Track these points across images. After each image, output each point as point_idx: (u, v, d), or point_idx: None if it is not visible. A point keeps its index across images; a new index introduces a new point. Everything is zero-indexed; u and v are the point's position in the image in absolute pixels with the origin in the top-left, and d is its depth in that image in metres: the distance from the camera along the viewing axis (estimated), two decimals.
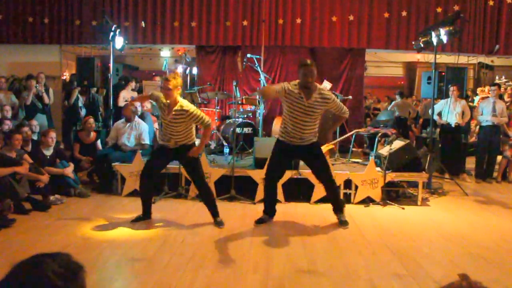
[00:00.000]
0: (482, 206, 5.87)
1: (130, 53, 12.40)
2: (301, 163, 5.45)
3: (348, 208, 5.18)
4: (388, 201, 5.62)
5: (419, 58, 12.10)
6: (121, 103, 7.74)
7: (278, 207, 5.22)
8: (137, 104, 6.95)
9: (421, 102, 10.90)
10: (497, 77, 11.42)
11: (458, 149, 7.66)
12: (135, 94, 8.04)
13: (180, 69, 8.08)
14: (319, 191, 5.63)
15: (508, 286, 3.27)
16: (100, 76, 7.91)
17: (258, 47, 8.51)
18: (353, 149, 7.35)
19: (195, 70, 8.96)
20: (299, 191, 5.80)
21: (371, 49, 9.11)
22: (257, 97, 7.35)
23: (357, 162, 6.69)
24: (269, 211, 4.80)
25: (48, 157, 5.71)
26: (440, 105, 7.68)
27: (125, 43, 7.28)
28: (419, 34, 6.93)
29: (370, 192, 5.67)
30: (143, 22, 8.65)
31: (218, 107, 8.02)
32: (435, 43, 6.38)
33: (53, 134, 5.85)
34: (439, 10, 8.45)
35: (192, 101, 7.32)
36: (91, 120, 6.83)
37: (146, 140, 6.46)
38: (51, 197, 5.30)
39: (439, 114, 7.65)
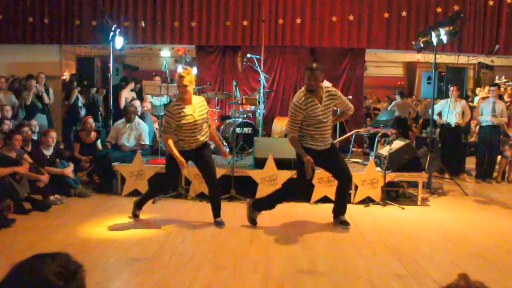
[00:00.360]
0: (482, 206, 5.87)
1: (130, 53, 12.41)
2: None
3: (348, 208, 5.17)
4: (388, 201, 5.62)
5: (419, 58, 12.10)
6: (123, 103, 7.74)
7: (278, 207, 5.23)
8: (137, 104, 6.96)
9: (421, 102, 10.91)
10: (497, 77, 11.43)
11: (458, 149, 7.65)
12: (134, 94, 8.04)
13: (180, 69, 8.07)
14: (319, 191, 5.64)
15: (508, 286, 3.27)
16: (100, 76, 7.90)
17: (258, 47, 8.51)
18: (353, 149, 7.35)
19: (195, 70, 8.96)
20: (299, 191, 5.79)
21: (371, 49, 9.11)
22: (257, 97, 7.35)
23: (357, 162, 6.69)
24: (264, 209, 4.70)
25: (48, 157, 5.71)
26: (440, 105, 7.68)
27: (125, 43, 7.28)
28: (419, 34, 6.93)
29: (370, 192, 5.67)
30: (143, 22, 8.65)
31: (218, 107, 8.02)
32: (435, 43, 6.38)
33: (53, 134, 5.85)
34: (439, 10, 8.45)
35: None
36: (91, 120, 6.83)
37: (146, 141, 6.46)
38: (51, 197, 5.30)
39: (439, 114, 7.66)
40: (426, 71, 8.30)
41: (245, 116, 7.58)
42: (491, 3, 8.53)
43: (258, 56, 7.37)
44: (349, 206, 5.18)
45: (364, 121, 9.87)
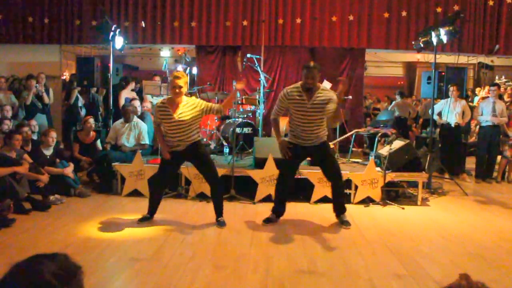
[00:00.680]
0: (482, 206, 5.87)
1: (130, 53, 12.42)
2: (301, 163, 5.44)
3: (348, 208, 5.17)
4: (388, 201, 5.62)
5: (419, 58, 12.11)
6: (122, 103, 7.74)
7: None
8: (137, 104, 6.95)
9: (421, 102, 10.91)
10: (497, 77, 11.43)
11: (458, 149, 7.66)
12: (135, 95, 8.03)
13: (180, 69, 8.07)
14: (319, 191, 5.64)
15: (507, 286, 3.27)
16: (100, 76, 7.90)
17: (258, 47, 8.51)
18: (353, 149, 7.35)
19: (195, 70, 8.96)
20: (298, 191, 5.80)
21: (371, 49, 9.11)
22: (257, 97, 7.35)
23: (357, 162, 6.69)
24: (278, 211, 4.79)
25: (48, 157, 5.71)
26: (440, 105, 7.68)
27: (125, 43, 7.27)
28: (419, 34, 6.93)
29: (370, 192, 5.67)
30: (143, 22, 8.64)
31: None
32: (435, 43, 6.38)
33: (53, 134, 5.85)
34: (439, 10, 8.45)
35: None
36: (91, 120, 6.83)
37: (146, 140, 6.46)
38: (51, 197, 5.30)
39: (439, 114, 7.66)
40: (426, 71, 8.30)
41: (245, 116, 7.58)
42: (491, 3, 8.53)
43: (258, 56, 7.37)
44: (349, 206, 5.20)
45: (364, 121, 9.87)
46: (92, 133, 6.76)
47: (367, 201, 5.65)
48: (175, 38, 8.70)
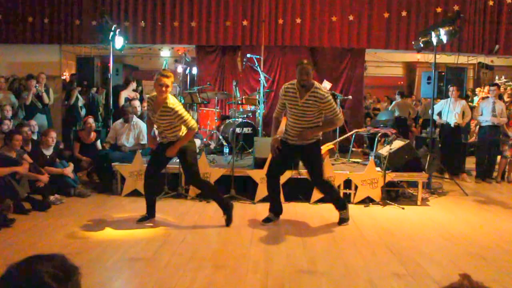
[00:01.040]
0: (482, 206, 5.87)
1: (130, 53, 12.41)
2: (300, 163, 5.44)
3: (348, 208, 5.18)
4: (388, 201, 5.62)
5: (419, 58, 12.11)
6: (122, 103, 7.74)
7: None
8: (137, 104, 6.95)
9: (421, 102, 10.91)
10: (496, 77, 11.43)
11: (458, 149, 7.66)
12: (137, 95, 8.02)
13: (180, 69, 8.08)
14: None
15: (507, 286, 3.27)
16: (100, 76, 7.90)
17: (258, 47, 8.50)
18: (353, 149, 7.35)
19: (195, 70, 8.96)
20: (298, 191, 5.80)
21: (371, 49, 9.10)
22: (257, 97, 7.35)
23: (357, 162, 6.69)
24: (275, 209, 4.79)
25: (48, 157, 5.71)
26: (440, 105, 7.68)
27: (125, 43, 7.27)
28: (419, 34, 6.93)
29: (370, 192, 5.67)
30: (143, 22, 8.64)
31: (218, 107, 8.02)
32: (435, 43, 6.38)
33: (53, 134, 5.85)
34: (439, 10, 8.45)
35: (192, 101, 7.33)
36: (91, 120, 6.83)
37: (145, 140, 6.45)
38: (51, 197, 5.30)
39: (439, 114, 7.66)
40: (426, 71, 8.30)
41: (245, 116, 7.58)
42: (491, 3, 8.53)
43: (258, 56, 7.37)
44: (349, 206, 5.18)
45: (364, 121, 9.86)
46: (93, 133, 6.76)
47: (367, 201, 5.65)
48: (175, 38, 8.69)
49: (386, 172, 5.63)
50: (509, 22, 8.58)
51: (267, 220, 4.71)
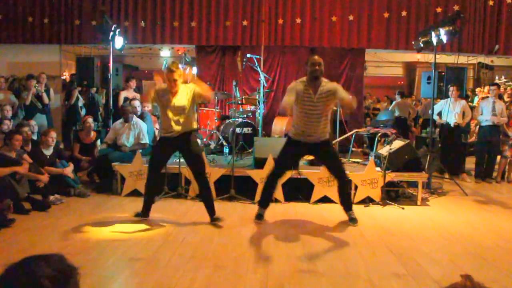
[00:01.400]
0: (482, 206, 5.87)
1: (130, 53, 12.42)
2: (300, 163, 5.44)
3: None
4: (388, 201, 5.62)
5: (419, 58, 12.12)
6: (121, 103, 7.74)
7: (278, 207, 5.24)
8: (137, 104, 6.94)
9: (421, 103, 10.91)
10: (496, 77, 11.44)
11: (458, 149, 7.66)
12: (138, 95, 8.01)
13: (179, 67, 8.06)
14: (319, 191, 5.64)
15: (507, 286, 3.27)
16: (100, 76, 7.90)
17: (258, 47, 8.51)
18: (353, 149, 7.35)
19: (194, 70, 8.96)
20: (298, 191, 5.80)
21: (371, 49, 9.11)
22: (257, 97, 7.35)
23: (357, 162, 6.69)
24: (264, 204, 4.82)
25: (48, 157, 5.71)
26: (440, 105, 7.69)
27: (125, 43, 7.27)
28: (419, 34, 6.93)
29: (370, 192, 5.67)
30: (143, 22, 8.64)
31: (218, 107, 8.02)
32: (435, 43, 6.38)
33: (53, 134, 5.85)
34: (439, 10, 8.45)
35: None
36: (90, 119, 6.83)
37: (145, 139, 6.46)
38: (51, 197, 5.30)
39: (439, 114, 7.66)
40: (426, 71, 8.30)
41: (245, 116, 7.58)
42: (491, 3, 8.53)
43: (258, 56, 7.37)
44: None
45: (364, 121, 9.87)
46: (93, 133, 6.76)
47: (367, 201, 5.65)
48: (175, 38, 8.69)
49: (386, 172, 5.63)
50: (509, 22, 8.58)
51: (260, 217, 4.72)
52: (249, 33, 8.60)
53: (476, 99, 9.68)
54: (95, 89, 8.72)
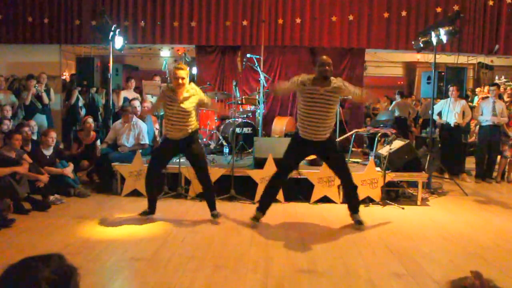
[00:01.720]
0: (482, 206, 5.87)
1: (130, 53, 12.40)
2: (300, 163, 5.43)
3: (348, 208, 5.18)
4: (387, 201, 5.62)
5: (419, 58, 12.10)
6: (121, 103, 7.74)
7: (278, 207, 5.23)
8: (137, 104, 6.95)
9: (421, 103, 10.90)
10: (496, 77, 11.43)
11: (458, 149, 7.66)
12: (136, 95, 8.02)
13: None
14: (319, 191, 5.64)
15: (508, 286, 3.27)
16: (100, 76, 7.89)
17: (258, 47, 8.50)
18: (353, 149, 7.34)
19: (194, 70, 8.96)
20: (298, 191, 5.80)
21: (371, 49, 9.10)
22: (257, 97, 7.35)
23: (357, 162, 6.68)
24: (263, 208, 4.70)
25: (48, 157, 5.71)
26: (439, 105, 7.68)
27: (125, 43, 7.26)
28: (419, 34, 6.93)
29: (370, 192, 5.67)
30: (142, 22, 8.64)
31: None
32: (434, 43, 6.38)
33: (53, 134, 5.85)
34: (439, 10, 8.45)
35: None
36: (90, 120, 6.82)
37: (145, 140, 6.45)
38: (51, 197, 5.30)
39: (439, 114, 7.66)
40: (425, 71, 8.29)
41: (245, 116, 7.58)
42: (491, 3, 8.52)
43: (257, 56, 7.36)
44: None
45: (364, 121, 9.86)
46: (93, 133, 6.76)
47: (367, 201, 5.64)
48: (175, 38, 8.69)
49: (386, 172, 5.63)
50: (509, 22, 8.58)
51: (255, 220, 4.65)
52: (249, 33, 8.60)
53: (476, 99, 9.68)
54: (95, 89, 8.71)
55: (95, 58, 7.92)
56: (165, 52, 12.93)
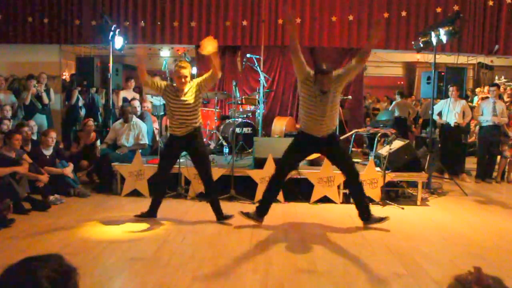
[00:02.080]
0: (482, 206, 5.87)
1: (130, 53, 12.39)
2: (300, 163, 5.43)
3: (348, 208, 5.19)
4: (387, 201, 5.62)
5: (419, 58, 12.10)
6: (120, 103, 7.74)
7: (278, 207, 5.23)
8: (136, 104, 6.95)
9: (421, 103, 10.91)
10: (496, 77, 11.44)
11: (458, 149, 7.66)
12: (136, 95, 8.02)
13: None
14: (319, 191, 5.64)
15: (507, 286, 3.27)
16: (100, 76, 7.90)
17: (258, 47, 8.50)
18: (353, 149, 7.35)
19: (194, 70, 8.95)
20: (298, 191, 5.80)
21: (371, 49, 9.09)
22: (257, 97, 7.34)
23: (357, 162, 6.65)
24: (262, 212, 4.58)
25: (48, 157, 5.71)
26: (440, 105, 7.69)
27: (125, 43, 7.27)
28: (419, 34, 6.93)
29: (370, 192, 5.65)
30: (142, 22, 8.64)
31: (218, 107, 8.02)
32: (434, 43, 6.38)
33: (53, 134, 5.85)
34: (439, 10, 8.45)
35: None
36: (91, 122, 6.83)
37: (145, 140, 6.46)
38: (51, 197, 5.30)
39: (439, 114, 7.66)
40: (425, 71, 8.30)
41: (245, 116, 7.58)
42: (491, 3, 8.53)
43: (257, 56, 7.37)
44: (348, 206, 5.19)
45: (364, 121, 9.87)
46: (93, 134, 6.76)
47: (367, 201, 5.63)
48: (175, 38, 8.69)
49: (386, 172, 5.63)
50: (509, 22, 8.58)
51: (247, 215, 4.55)
52: (249, 33, 8.60)
53: (475, 99, 9.68)
54: (95, 89, 8.71)
55: (95, 58, 7.93)
56: (165, 52, 12.93)
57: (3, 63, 8.96)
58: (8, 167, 4.84)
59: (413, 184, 6.14)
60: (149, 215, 4.73)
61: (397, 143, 6.10)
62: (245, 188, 5.73)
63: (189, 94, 4.44)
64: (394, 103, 10.26)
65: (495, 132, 7.45)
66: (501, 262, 3.75)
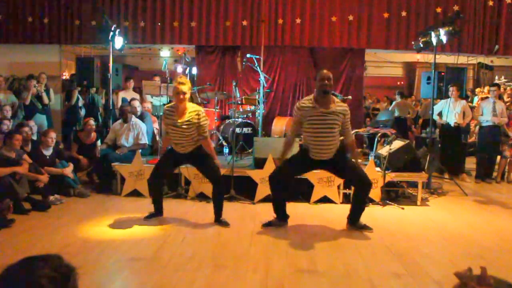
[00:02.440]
0: (482, 206, 5.88)
1: (130, 53, 12.42)
2: None
3: (348, 208, 5.17)
4: (387, 201, 5.62)
5: (419, 58, 12.12)
6: (120, 103, 7.74)
7: None
8: (136, 104, 6.95)
9: (421, 103, 10.91)
10: (496, 77, 11.44)
11: (458, 149, 7.66)
12: (136, 95, 8.02)
13: (179, 69, 8.08)
14: (319, 191, 5.64)
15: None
16: (100, 76, 7.90)
17: (258, 47, 8.49)
18: None
19: (194, 70, 8.96)
20: (298, 191, 5.80)
21: (371, 49, 9.10)
22: (257, 97, 7.35)
23: None
24: (282, 217, 4.62)
25: (48, 157, 5.71)
26: (440, 105, 7.69)
27: (125, 43, 7.27)
28: (419, 34, 6.93)
29: (370, 192, 5.65)
30: (142, 22, 8.64)
31: (218, 107, 8.02)
32: (434, 43, 6.38)
33: (53, 134, 5.85)
34: (438, 10, 8.44)
35: (192, 101, 7.32)
36: (91, 122, 6.83)
37: (145, 140, 6.46)
38: (51, 197, 5.30)
39: (439, 114, 7.66)
40: (425, 71, 8.30)
41: (245, 116, 7.58)
42: (491, 3, 8.52)
43: (257, 56, 7.36)
44: (348, 206, 5.17)
45: (364, 121, 9.86)
46: (93, 134, 6.76)
47: (367, 201, 5.63)
48: (175, 38, 8.69)
49: (386, 172, 5.63)
50: (509, 22, 8.58)
51: (269, 224, 4.58)
52: (249, 33, 8.60)
53: (475, 99, 9.68)
54: (95, 89, 8.71)
55: (95, 58, 7.93)
56: (165, 52, 12.95)
57: (3, 63, 8.96)
58: (8, 167, 4.84)
59: (413, 184, 6.14)
60: (157, 214, 4.78)
61: (397, 143, 6.11)
62: (245, 188, 5.73)
63: (187, 122, 4.38)
64: (394, 103, 10.26)
65: (495, 132, 7.45)
66: (501, 262, 3.75)
